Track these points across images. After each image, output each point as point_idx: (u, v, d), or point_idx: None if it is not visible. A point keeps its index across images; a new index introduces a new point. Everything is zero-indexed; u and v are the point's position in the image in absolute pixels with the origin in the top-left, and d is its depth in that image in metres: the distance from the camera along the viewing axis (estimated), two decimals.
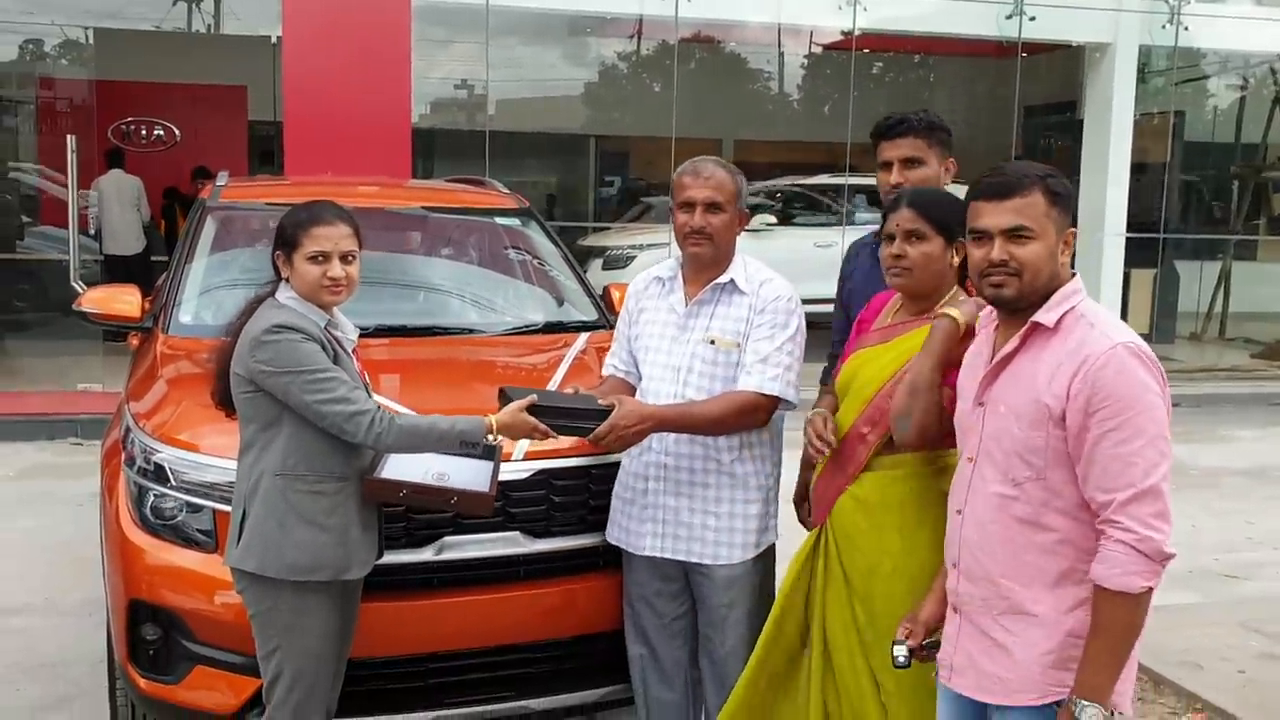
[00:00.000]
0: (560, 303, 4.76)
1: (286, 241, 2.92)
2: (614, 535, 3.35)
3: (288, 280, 2.94)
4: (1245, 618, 5.14)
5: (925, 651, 2.65)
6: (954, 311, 2.69)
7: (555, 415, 2.98)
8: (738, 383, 3.15)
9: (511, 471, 3.31)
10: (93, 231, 10.82)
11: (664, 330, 3.28)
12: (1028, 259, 2.27)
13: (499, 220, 5.11)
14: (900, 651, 2.64)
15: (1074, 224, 2.39)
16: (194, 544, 3.24)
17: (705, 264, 3.23)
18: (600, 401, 3.04)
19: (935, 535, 2.73)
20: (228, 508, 3.17)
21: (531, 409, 2.92)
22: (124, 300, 4.35)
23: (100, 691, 4.15)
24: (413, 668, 3.31)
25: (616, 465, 3.38)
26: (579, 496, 3.43)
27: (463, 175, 6.52)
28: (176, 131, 13.00)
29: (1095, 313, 2.31)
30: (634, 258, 11.34)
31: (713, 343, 3.19)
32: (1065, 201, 2.32)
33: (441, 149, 14.01)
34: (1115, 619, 2.16)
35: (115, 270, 10.76)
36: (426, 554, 3.25)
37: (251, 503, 2.85)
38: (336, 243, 2.89)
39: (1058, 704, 2.26)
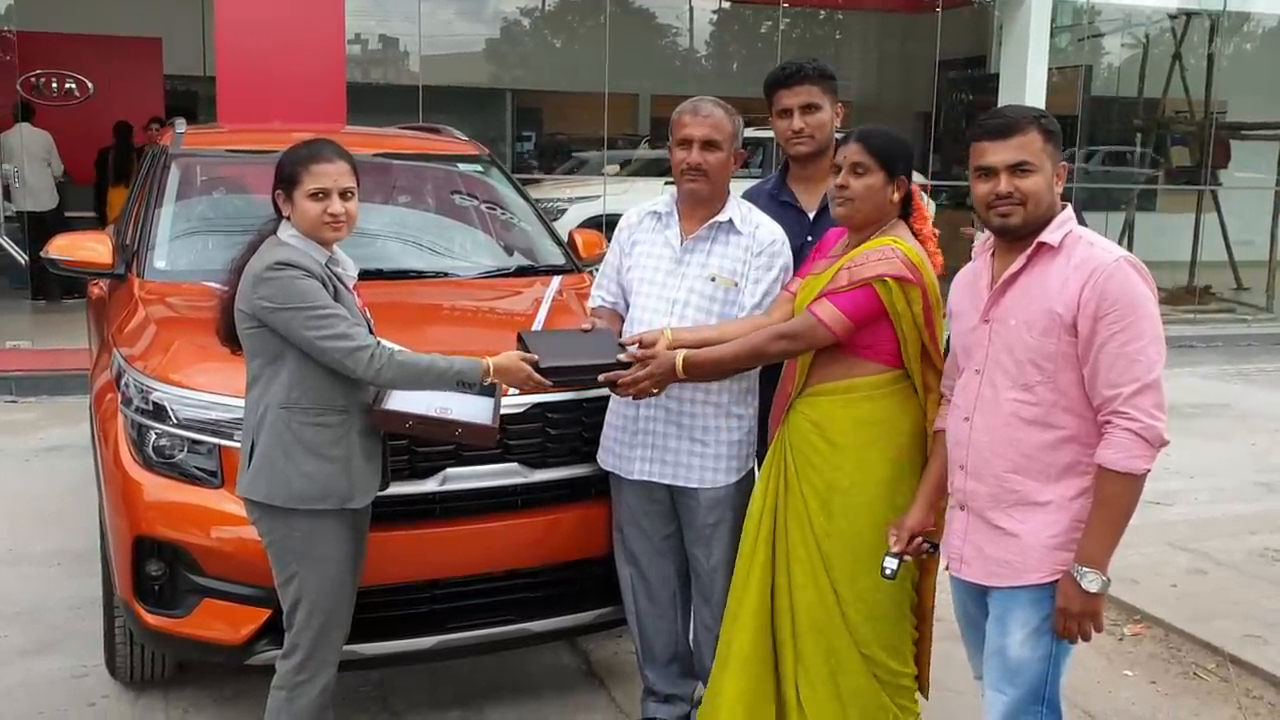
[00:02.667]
0: (529, 247, 4.85)
1: (287, 179, 2.96)
2: (606, 461, 3.48)
3: (288, 218, 2.99)
4: (1173, 538, 5.51)
5: (916, 555, 2.86)
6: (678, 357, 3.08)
7: (564, 374, 3.09)
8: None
9: (509, 405, 3.41)
10: (14, 186, 10.48)
11: (659, 264, 3.39)
12: (1031, 190, 2.53)
13: (462, 166, 5.17)
14: (890, 565, 2.84)
15: (1064, 159, 2.61)
16: (197, 479, 3.29)
17: (700, 200, 3.35)
18: (622, 356, 3.13)
19: (890, 452, 2.97)
20: (229, 442, 3.25)
21: (538, 367, 3.03)
22: (93, 247, 4.32)
23: (83, 634, 4.20)
24: (419, 594, 3.43)
25: (607, 399, 3.51)
26: (573, 429, 3.55)
27: (410, 125, 6.52)
28: (89, 85, 12.60)
29: (1089, 234, 2.58)
30: (565, 210, 11.40)
31: (713, 279, 3.31)
32: (1056, 139, 2.58)
33: (368, 104, 13.84)
34: (1118, 497, 2.44)
35: (33, 228, 10.48)
36: (430, 485, 3.35)
37: (259, 434, 2.92)
38: (336, 179, 2.93)
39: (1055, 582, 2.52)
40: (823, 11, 17.62)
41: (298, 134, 5.41)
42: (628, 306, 3.47)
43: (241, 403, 3.06)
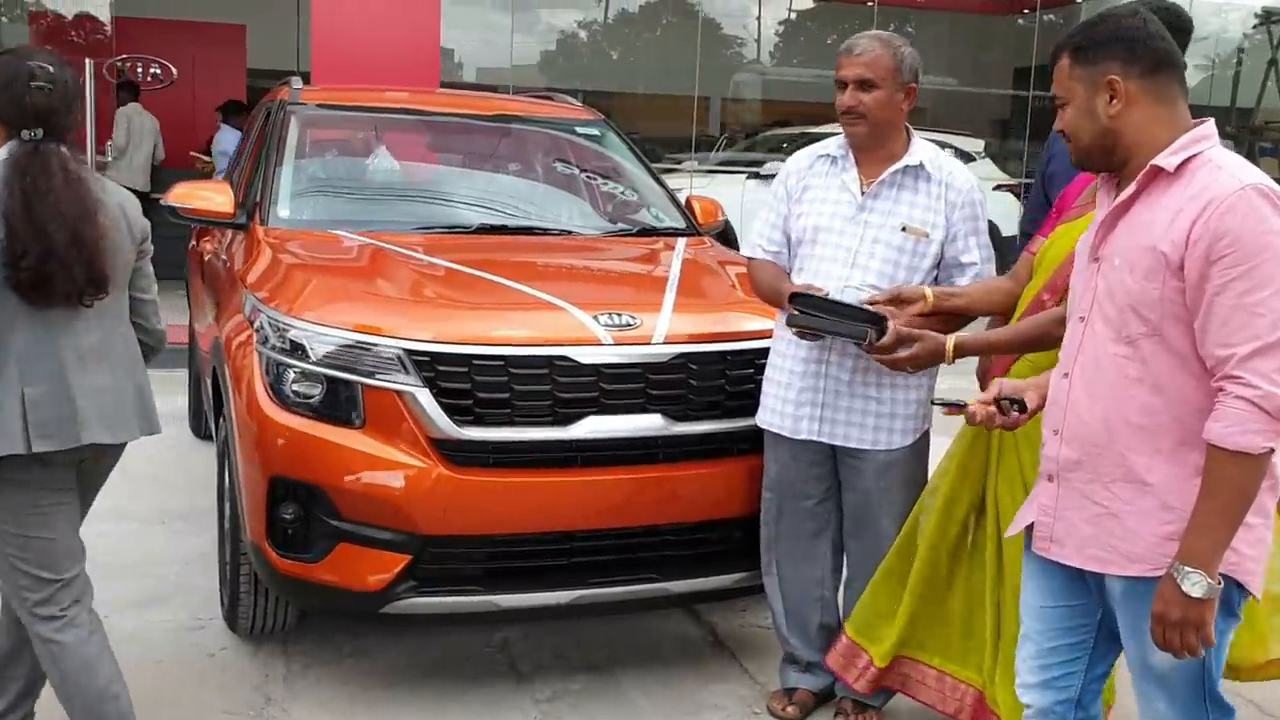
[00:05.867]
0: (651, 209, 4.73)
1: None
2: (766, 419, 3.27)
3: None
4: None
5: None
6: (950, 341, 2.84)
7: (820, 308, 2.93)
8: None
9: (652, 354, 3.30)
10: (109, 159, 10.50)
11: (836, 210, 3.17)
12: (1071, 126, 2.18)
13: (580, 130, 5.06)
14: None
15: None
16: (335, 419, 3.19)
17: (864, 143, 3.16)
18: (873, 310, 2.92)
19: None
20: (370, 381, 3.14)
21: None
22: (213, 196, 4.24)
23: (194, 589, 4.14)
24: (558, 545, 3.29)
25: (753, 351, 3.37)
26: (716, 381, 3.40)
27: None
28: (174, 70, 12.66)
29: (1224, 157, 2.08)
30: None
31: (904, 229, 3.10)
32: (1087, 55, 2.13)
33: None
34: (1230, 481, 1.97)
35: None
36: (571, 432, 3.22)
37: None
38: None
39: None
40: (915, 12, 17.38)
41: (429, 96, 5.41)
42: (791, 258, 3.29)
43: (382, 341, 3.04)
